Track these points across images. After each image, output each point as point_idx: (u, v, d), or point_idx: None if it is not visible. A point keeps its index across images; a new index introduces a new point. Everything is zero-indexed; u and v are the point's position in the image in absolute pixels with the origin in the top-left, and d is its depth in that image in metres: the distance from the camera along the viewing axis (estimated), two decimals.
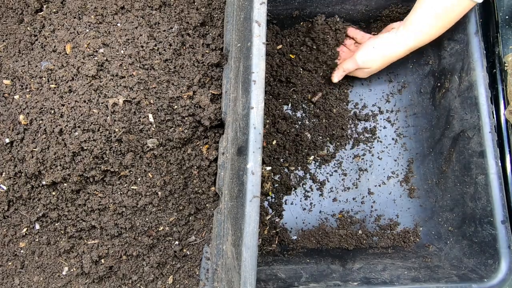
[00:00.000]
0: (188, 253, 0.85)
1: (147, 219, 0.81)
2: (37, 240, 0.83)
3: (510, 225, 0.83)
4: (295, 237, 1.00)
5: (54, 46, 0.78)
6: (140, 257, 0.83)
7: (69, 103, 0.75)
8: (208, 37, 0.84)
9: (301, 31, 1.05)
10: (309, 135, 1.04)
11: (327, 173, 1.04)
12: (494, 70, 0.91)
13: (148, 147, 0.78)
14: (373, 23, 1.06)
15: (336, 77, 1.00)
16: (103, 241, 0.82)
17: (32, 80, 0.78)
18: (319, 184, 1.03)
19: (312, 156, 1.04)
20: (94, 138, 0.74)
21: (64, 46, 0.78)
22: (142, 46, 0.78)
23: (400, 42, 0.89)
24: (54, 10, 0.82)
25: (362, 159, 1.05)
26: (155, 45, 0.79)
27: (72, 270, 0.82)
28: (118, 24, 0.79)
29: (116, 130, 0.75)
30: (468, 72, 0.89)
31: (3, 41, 0.85)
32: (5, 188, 0.80)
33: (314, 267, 0.89)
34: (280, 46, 1.05)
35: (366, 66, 0.95)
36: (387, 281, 0.83)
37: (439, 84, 0.99)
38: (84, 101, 0.74)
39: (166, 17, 0.82)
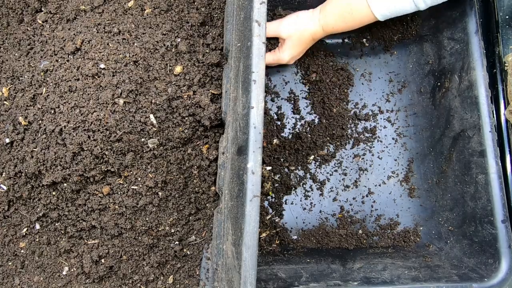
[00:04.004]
0: (188, 253, 0.85)
1: (147, 219, 0.81)
2: (37, 240, 0.83)
3: (510, 224, 0.83)
4: (295, 237, 1.00)
5: (54, 46, 0.78)
6: (140, 257, 0.83)
7: (69, 103, 0.75)
8: (208, 37, 0.84)
9: None
10: (309, 135, 1.04)
11: (327, 173, 1.04)
12: (494, 70, 0.91)
13: (148, 147, 0.78)
14: (373, 23, 1.06)
15: None
16: (103, 241, 0.82)
17: (32, 80, 0.78)
18: (319, 184, 1.03)
19: (312, 156, 1.04)
20: (94, 138, 0.74)
21: (64, 46, 0.78)
22: (142, 47, 0.78)
23: (315, 21, 0.91)
24: (54, 10, 0.82)
25: (362, 158, 1.05)
26: (156, 46, 0.79)
27: (72, 270, 0.82)
28: (119, 25, 0.79)
29: (116, 130, 0.75)
30: (468, 72, 0.89)
31: (3, 41, 0.85)
32: (5, 188, 0.80)
33: (315, 267, 0.89)
34: None
35: (284, 34, 0.93)
36: (387, 281, 0.83)
37: (439, 83, 0.99)
38: (84, 101, 0.74)
39: (167, 17, 0.82)
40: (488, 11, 0.92)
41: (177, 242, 0.84)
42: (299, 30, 0.92)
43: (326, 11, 0.90)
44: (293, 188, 1.03)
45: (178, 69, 0.79)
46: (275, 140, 1.03)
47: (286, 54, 0.94)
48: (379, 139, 1.06)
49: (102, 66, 0.75)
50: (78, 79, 0.75)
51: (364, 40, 1.09)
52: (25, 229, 0.82)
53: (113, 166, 0.77)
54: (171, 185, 0.82)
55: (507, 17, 0.90)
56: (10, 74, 0.80)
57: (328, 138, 1.05)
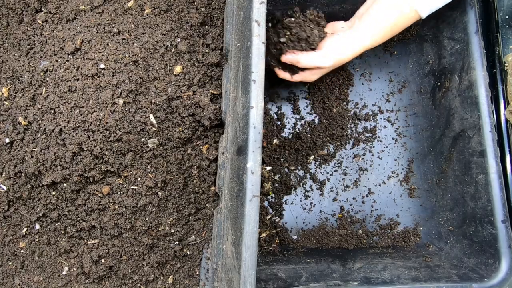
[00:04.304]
0: (188, 253, 0.85)
1: (147, 219, 0.81)
2: (37, 240, 0.83)
3: (510, 224, 0.83)
4: (295, 237, 1.00)
5: (54, 46, 0.78)
6: (140, 257, 0.83)
7: (68, 103, 0.75)
8: (208, 37, 0.84)
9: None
10: (309, 135, 1.04)
11: (327, 173, 1.04)
12: (494, 70, 0.91)
13: (148, 147, 0.78)
14: None
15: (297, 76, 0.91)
16: (103, 241, 0.82)
17: (32, 80, 0.78)
18: (319, 184, 1.03)
19: (312, 156, 1.04)
20: (94, 138, 0.75)
21: (64, 46, 0.78)
22: (142, 47, 0.78)
23: (357, 42, 0.85)
24: (53, 11, 0.82)
25: (362, 158, 1.05)
26: (155, 46, 0.79)
27: (72, 270, 0.82)
28: (119, 25, 0.79)
29: (116, 130, 0.75)
30: (468, 72, 0.89)
31: (3, 41, 0.85)
32: (5, 188, 0.80)
33: (314, 267, 0.89)
34: None
35: (327, 67, 0.87)
36: (387, 281, 0.83)
37: (439, 83, 0.99)
38: (84, 101, 0.74)
39: (167, 17, 0.82)
40: (488, 11, 0.92)
41: (177, 242, 0.84)
42: (342, 61, 0.86)
43: (369, 31, 0.84)
44: (293, 188, 1.03)
45: (178, 69, 0.79)
46: (275, 140, 1.03)
47: (316, 77, 0.92)
48: (379, 139, 1.06)
49: (101, 66, 0.75)
50: (77, 79, 0.75)
51: None
52: (25, 229, 0.82)
53: (113, 166, 0.77)
54: (171, 185, 0.82)
55: (507, 17, 0.90)
56: (10, 74, 0.80)
57: (328, 138, 1.05)
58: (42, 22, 0.82)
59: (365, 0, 0.93)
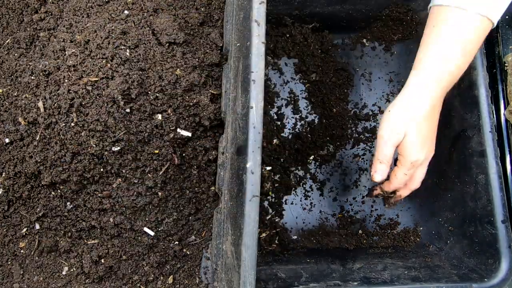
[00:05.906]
0: (188, 252, 0.85)
1: (147, 219, 0.81)
2: (37, 240, 0.83)
3: (510, 224, 0.83)
4: (295, 237, 1.00)
5: (54, 46, 0.78)
6: (140, 257, 0.83)
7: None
8: (208, 37, 0.84)
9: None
10: (309, 135, 1.04)
11: (327, 173, 1.04)
12: (494, 70, 0.91)
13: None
14: (373, 23, 1.06)
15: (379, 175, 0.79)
16: (103, 241, 0.82)
17: (32, 80, 0.78)
18: (319, 184, 1.03)
19: (312, 156, 1.04)
20: (94, 138, 0.75)
21: (64, 46, 0.78)
22: (141, 47, 0.78)
23: (422, 94, 0.70)
24: (53, 11, 0.82)
25: (362, 158, 1.05)
26: (155, 46, 0.79)
27: (72, 270, 0.82)
28: (118, 25, 0.79)
29: (116, 130, 0.75)
30: (468, 72, 0.89)
31: (3, 41, 0.85)
32: (5, 188, 0.80)
33: (314, 267, 0.89)
34: None
35: (395, 138, 0.74)
36: (387, 281, 0.83)
37: None
38: (85, 102, 0.74)
39: (166, 17, 0.82)
40: None
41: (176, 242, 0.84)
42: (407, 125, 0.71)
43: (432, 74, 0.69)
44: (293, 188, 1.03)
45: (177, 70, 0.79)
46: (275, 140, 1.03)
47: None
48: None
49: (101, 66, 0.75)
50: (77, 80, 0.75)
51: (364, 40, 1.09)
52: (24, 229, 0.82)
53: (113, 166, 0.77)
54: (170, 185, 0.82)
55: (507, 17, 0.90)
56: (10, 74, 0.81)
57: (328, 138, 1.05)
58: (42, 22, 0.82)
59: (365, 3, 0.92)
